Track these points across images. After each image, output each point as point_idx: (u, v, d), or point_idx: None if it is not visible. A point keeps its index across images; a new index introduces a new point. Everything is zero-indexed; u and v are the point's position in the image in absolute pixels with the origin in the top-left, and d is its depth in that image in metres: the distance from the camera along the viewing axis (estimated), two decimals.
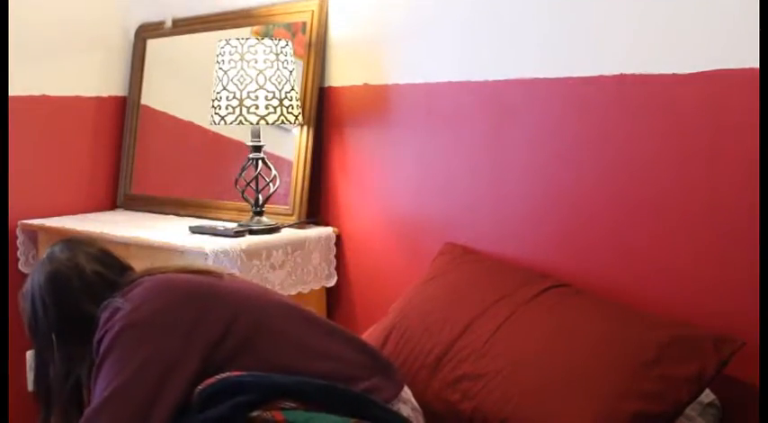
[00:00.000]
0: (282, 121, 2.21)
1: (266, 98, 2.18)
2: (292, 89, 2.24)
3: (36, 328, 1.61)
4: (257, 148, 2.26)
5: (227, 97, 2.18)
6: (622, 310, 1.76)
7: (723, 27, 1.69)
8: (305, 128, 2.35)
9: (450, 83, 2.14)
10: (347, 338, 1.62)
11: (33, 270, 1.63)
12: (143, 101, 2.78)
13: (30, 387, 2.66)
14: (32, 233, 2.59)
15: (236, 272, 2.10)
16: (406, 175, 2.25)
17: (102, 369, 1.43)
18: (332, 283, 2.38)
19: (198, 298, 1.50)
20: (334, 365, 1.53)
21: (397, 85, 2.25)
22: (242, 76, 2.18)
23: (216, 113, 2.21)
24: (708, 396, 1.68)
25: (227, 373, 1.42)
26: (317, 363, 1.52)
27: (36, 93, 2.64)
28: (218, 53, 2.23)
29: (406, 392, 1.62)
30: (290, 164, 2.37)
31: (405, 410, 1.56)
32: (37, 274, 1.61)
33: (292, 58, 2.27)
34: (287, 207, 2.36)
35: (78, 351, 1.53)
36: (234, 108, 2.18)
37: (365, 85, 2.32)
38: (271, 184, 2.29)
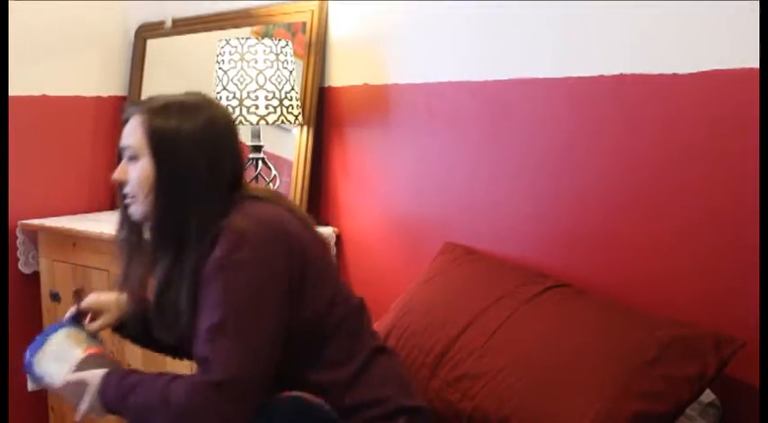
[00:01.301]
0: (282, 121, 2.21)
1: (266, 98, 2.18)
2: (292, 89, 2.24)
3: (172, 175, 1.46)
4: (257, 148, 2.26)
5: (227, 97, 2.18)
6: (623, 309, 1.76)
7: (723, 27, 1.69)
8: (305, 128, 2.35)
9: (450, 83, 2.14)
10: (400, 377, 1.58)
11: (162, 119, 1.47)
12: None
13: (30, 388, 2.66)
14: (32, 233, 2.59)
15: None
16: (406, 175, 2.25)
17: (218, 309, 1.38)
18: None
19: (311, 264, 1.48)
20: (375, 399, 1.49)
21: (397, 85, 2.25)
22: (242, 76, 2.18)
23: None
24: (708, 396, 1.68)
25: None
26: (360, 390, 1.49)
27: (36, 93, 2.64)
28: (218, 53, 2.23)
29: None
30: (290, 164, 2.37)
31: None
32: (186, 119, 1.47)
33: (292, 58, 2.27)
34: None
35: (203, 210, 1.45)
36: (234, 108, 2.18)
37: (365, 85, 2.32)
38: (271, 184, 2.29)
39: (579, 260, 1.92)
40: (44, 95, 2.66)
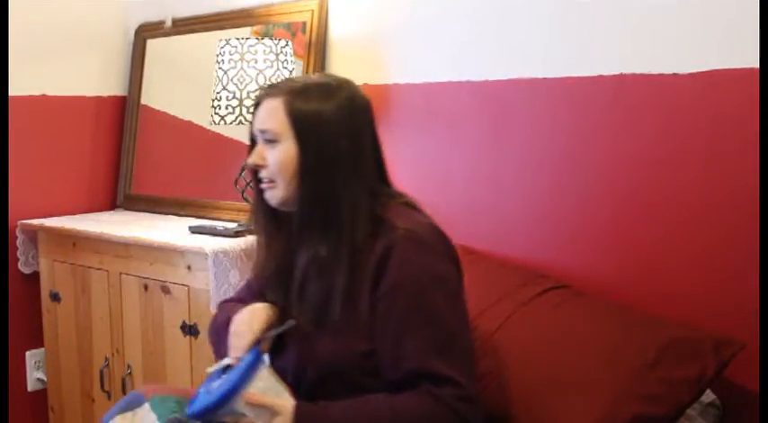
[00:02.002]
0: None
1: None
2: None
3: (318, 158, 1.43)
4: None
5: (227, 97, 2.18)
6: (622, 311, 1.75)
7: (723, 27, 1.69)
8: None
9: (450, 83, 2.13)
10: None
11: (303, 101, 1.42)
12: (143, 101, 2.78)
13: (29, 387, 2.66)
14: (32, 233, 2.59)
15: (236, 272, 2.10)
16: (405, 174, 2.24)
17: (420, 323, 1.37)
18: None
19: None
20: None
21: (397, 84, 2.25)
22: (242, 76, 2.18)
23: (216, 113, 2.21)
24: (708, 396, 1.67)
25: None
26: None
27: (36, 93, 2.64)
28: (218, 53, 2.23)
29: None
30: None
31: None
32: (327, 100, 1.43)
33: (292, 58, 2.26)
34: None
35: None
36: (234, 108, 2.18)
37: (365, 85, 2.31)
38: None
39: (579, 260, 1.92)
40: (44, 95, 2.66)
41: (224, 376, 1.39)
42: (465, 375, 1.37)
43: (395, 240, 1.39)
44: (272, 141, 1.44)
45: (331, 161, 1.42)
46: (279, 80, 1.49)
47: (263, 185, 1.48)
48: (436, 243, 1.43)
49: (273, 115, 1.44)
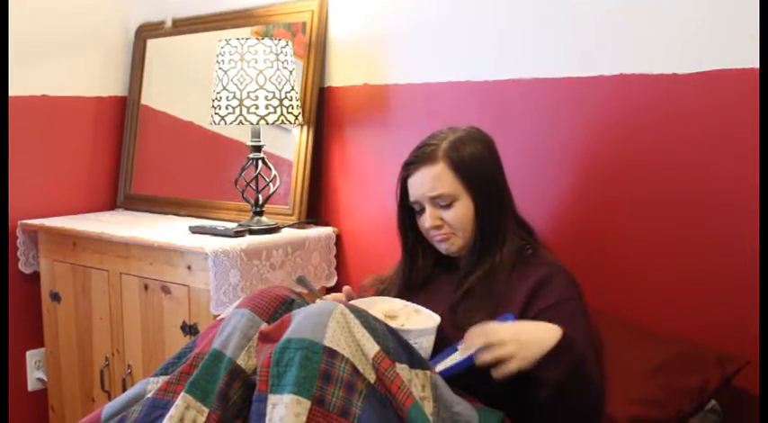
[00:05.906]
0: (282, 121, 2.21)
1: (266, 98, 2.18)
2: (292, 89, 2.24)
3: (492, 200, 1.61)
4: (257, 148, 2.26)
5: (227, 97, 2.18)
6: (627, 326, 1.75)
7: (723, 27, 1.69)
8: (305, 128, 2.35)
9: (450, 83, 2.14)
10: None
11: (458, 152, 1.60)
12: (143, 101, 2.78)
13: (30, 387, 2.67)
14: (32, 233, 2.59)
15: (236, 272, 2.10)
16: None
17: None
18: (332, 283, 2.38)
19: None
20: None
21: (397, 85, 2.25)
22: (242, 76, 2.18)
23: (216, 113, 2.21)
24: (709, 402, 1.67)
25: None
26: None
27: (36, 93, 2.64)
28: (218, 53, 2.23)
29: None
30: (290, 164, 2.37)
31: None
32: (473, 145, 1.61)
33: (292, 58, 2.27)
34: (287, 207, 2.36)
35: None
36: (234, 108, 2.18)
37: (365, 85, 2.32)
38: (271, 184, 2.29)
39: (576, 261, 1.92)
40: (44, 95, 2.66)
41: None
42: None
43: (553, 273, 1.56)
44: (447, 204, 1.59)
45: (497, 196, 1.60)
46: (417, 151, 1.63)
47: (438, 238, 1.62)
48: (574, 277, 1.60)
49: (441, 179, 1.58)
